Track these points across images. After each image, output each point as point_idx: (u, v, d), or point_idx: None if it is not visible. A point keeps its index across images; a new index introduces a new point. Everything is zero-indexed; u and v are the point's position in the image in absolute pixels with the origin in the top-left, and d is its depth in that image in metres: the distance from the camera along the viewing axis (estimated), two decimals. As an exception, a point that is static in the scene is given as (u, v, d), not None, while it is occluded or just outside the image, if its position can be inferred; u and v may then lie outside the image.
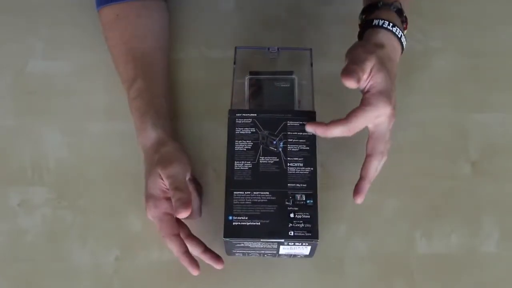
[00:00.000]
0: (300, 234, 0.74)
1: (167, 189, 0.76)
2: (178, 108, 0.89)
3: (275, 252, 0.77)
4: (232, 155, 0.78)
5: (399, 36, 0.79)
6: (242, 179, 0.77)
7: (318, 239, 0.74)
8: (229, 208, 0.75)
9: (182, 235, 0.76)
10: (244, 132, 0.79)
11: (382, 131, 0.77)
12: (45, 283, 0.80)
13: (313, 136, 0.79)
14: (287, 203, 0.75)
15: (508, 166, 0.86)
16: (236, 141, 0.79)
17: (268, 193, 0.76)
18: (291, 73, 0.86)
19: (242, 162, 0.78)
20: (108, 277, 0.80)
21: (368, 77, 0.75)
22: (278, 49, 0.86)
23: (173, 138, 0.81)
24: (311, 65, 0.85)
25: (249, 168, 0.77)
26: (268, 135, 0.79)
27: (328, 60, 0.88)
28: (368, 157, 0.77)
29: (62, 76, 0.91)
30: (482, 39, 0.94)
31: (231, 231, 0.74)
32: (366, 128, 0.77)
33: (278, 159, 0.78)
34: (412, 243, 0.82)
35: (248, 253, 0.78)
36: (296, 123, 0.80)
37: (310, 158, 0.78)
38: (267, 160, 0.78)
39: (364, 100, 0.75)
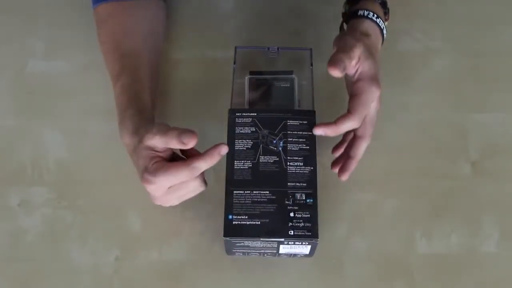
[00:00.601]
0: (300, 233, 0.74)
1: (157, 151, 0.73)
2: (178, 108, 0.89)
3: (275, 251, 0.77)
4: (232, 154, 0.78)
5: (382, 27, 0.81)
6: (242, 178, 0.77)
7: (318, 238, 0.74)
8: (229, 207, 0.75)
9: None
10: (244, 132, 0.79)
11: (373, 115, 0.78)
12: (45, 283, 0.80)
13: (313, 136, 0.79)
14: (287, 202, 0.75)
15: (508, 166, 0.86)
16: (236, 140, 0.79)
17: (268, 192, 0.76)
18: (291, 73, 0.86)
19: (242, 161, 0.78)
20: (108, 277, 0.80)
21: (357, 64, 0.76)
22: (278, 49, 0.86)
23: None
24: (311, 65, 0.85)
25: (249, 167, 0.77)
26: (268, 134, 0.79)
27: (328, 60, 0.88)
28: (359, 138, 0.79)
29: (62, 76, 0.91)
30: (482, 39, 0.95)
31: (231, 230, 0.74)
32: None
33: (278, 158, 0.78)
34: (412, 243, 0.82)
35: (248, 253, 0.78)
36: (296, 123, 0.80)
37: (310, 157, 0.78)
38: (267, 159, 0.78)
39: (357, 88, 0.77)
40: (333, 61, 0.74)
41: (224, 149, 0.72)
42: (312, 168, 0.77)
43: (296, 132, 0.79)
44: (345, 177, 0.80)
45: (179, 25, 0.95)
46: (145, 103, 0.81)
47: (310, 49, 0.86)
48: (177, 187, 0.73)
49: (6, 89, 0.91)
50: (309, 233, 0.74)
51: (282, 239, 0.74)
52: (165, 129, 0.72)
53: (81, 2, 0.95)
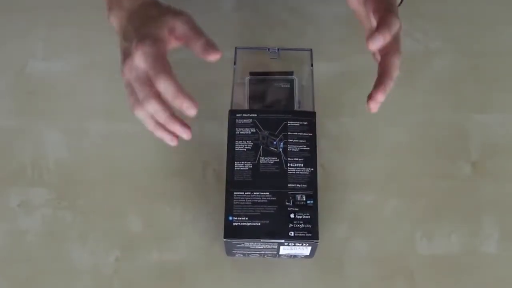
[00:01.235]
0: (300, 234, 0.74)
1: (175, 35, 0.70)
2: (178, 108, 0.88)
3: (275, 252, 0.77)
4: (232, 156, 0.78)
5: None
6: (242, 180, 0.77)
7: (318, 239, 0.74)
8: (229, 209, 0.75)
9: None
10: (244, 133, 0.79)
11: (398, 30, 0.68)
12: (45, 284, 0.80)
13: (313, 136, 0.79)
14: (287, 203, 0.75)
15: (508, 166, 0.86)
16: (236, 141, 0.79)
17: (268, 193, 0.76)
18: (291, 73, 0.86)
19: (242, 162, 0.78)
20: (108, 277, 0.80)
21: None
22: (278, 49, 0.86)
23: None
24: (311, 65, 0.85)
25: (249, 168, 0.77)
26: (268, 135, 0.79)
27: (328, 60, 0.88)
28: (389, 55, 0.69)
29: (62, 76, 0.91)
30: (482, 39, 0.94)
31: (231, 232, 0.74)
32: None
33: (278, 160, 0.78)
34: (412, 243, 0.82)
35: (248, 254, 0.78)
36: (297, 124, 0.80)
37: (310, 158, 0.78)
38: (267, 161, 0.78)
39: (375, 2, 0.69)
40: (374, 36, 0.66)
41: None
42: (312, 169, 0.77)
43: (296, 133, 0.79)
44: (380, 96, 0.69)
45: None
46: None
47: (310, 49, 0.86)
48: (141, 85, 0.68)
49: (6, 89, 0.91)
50: (310, 234, 0.74)
51: (283, 241, 0.74)
52: (199, 29, 0.70)
53: (81, 2, 0.95)
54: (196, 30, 0.70)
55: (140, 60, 0.68)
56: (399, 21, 0.67)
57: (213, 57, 0.69)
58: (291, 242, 0.74)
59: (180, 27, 0.70)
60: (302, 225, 0.74)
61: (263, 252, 0.77)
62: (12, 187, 0.84)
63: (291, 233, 0.74)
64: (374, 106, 0.69)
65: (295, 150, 0.78)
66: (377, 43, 0.66)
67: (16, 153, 0.86)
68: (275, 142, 0.79)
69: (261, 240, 0.74)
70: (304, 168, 0.77)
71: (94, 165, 0.86)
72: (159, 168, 0.85)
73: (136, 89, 0.69)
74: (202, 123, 0.84)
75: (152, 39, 0.68)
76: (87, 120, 0.88)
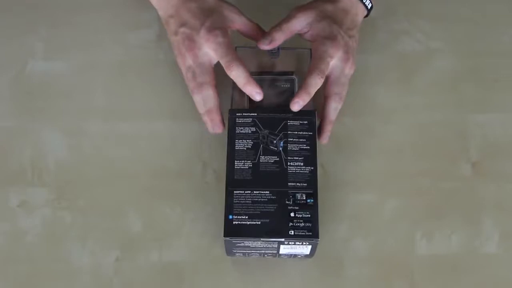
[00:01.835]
0: (300, 233, 0.74)
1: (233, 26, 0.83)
2: (178, 108, 0.88)
3: (275, 251, 0.76)
4: (232, 155, 0.78)
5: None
6: (242, 178, 0.77)
7: (318, 238, 0.74)
8: (229, 207, 0.75)
9: None
10: (244, 132, 0.79)
11: (336, 74, 0.82)
12: (44, 284, 0.80)
13: (314, 136, 0.79)
14: (287, 202, 0.75)
15: (508, 167, 0.86)
16: (236, 140, 0.79)
17: (268, 192, 0.76)
18: (291, 73, 0.86)
19: (243, 161, 0.78)
20: (108, 278, 0.80)
21: (309, 30, 0.82)
22: (278, 49, 0.86)
23: None
24: (311, 65, 0.85)
25: (249, 167, 0.77)
26: (268, 134, 0.79)
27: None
28: (325, 99, 0.83)
29: (62, 76, 0.91)
30: (482, 40, 0.94)
31: (232, 230, 0.74)
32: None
33: (278, 158, 0.78)
34: (412, 243, 0.82)
35: (249, 253, 0.78)
36: (297, 123, 0.80)
37: (310, 157, 0.78)
38: (267, 159, 0.78)
39: (313, 48, 0.82)
40: (263, 36, 0.83)
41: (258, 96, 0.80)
42: (312, 168, 0.77)
43: (296, 132, 0.79)
44: (323, 140, 0.83)
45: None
46: None
47: (310, 49, 0.85)
48: (204, 72, 0.81)
49: (6, 89, 0.90)
50: (310, 233, 0.74)
51: (283, 239, 0.74)
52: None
53: (81, 2, 0.95)
54: (252, 23, 0.84)
55: (211, 49, 0.80)
56: (320, 77, 0.79)
57: (271, 45, 0.82)
58: (291, 241, 0.74)
59: (238, 19, 0.83)
60: (302, 224, 0.74)
61: (263, 251, 0.77)
62: (12, 187, 0.84)
63: (291, 232, 0.74)
64: (324, 141, 0.83)
65: (295, 149, 0.78)
66: (296, 107, 0.79)
67: (16, 153, 0.86)
68: (275, 141, 0.79)
69: (261, 239, 0.74)
70: (304, 167, 0.77)
71: (94, 165, 0.86)
72: (159, 168, 0.85)
73: (197, 74, 0.80)
74: (202, 123, 0.84)
75: (223, 30, 0.80)
76: (87, 120, 0.88)
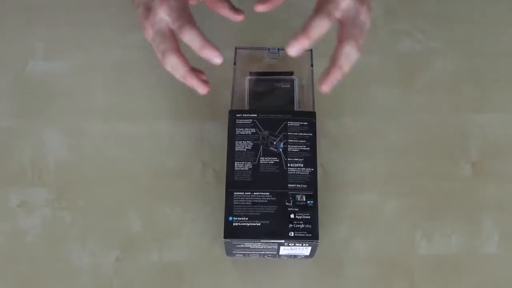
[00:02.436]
0: (300, 234, 0.74)
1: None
2: (178, 108, 0.88)
3: (275, 253, 0.77)
4: (232, 156, 0.78)
5: None
6: (242, 180, 0.77)
7: (318, 239, 0.74)
8: (229, 209, 0.75)
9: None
10: (244, 133, 0.79)
11: (351, 15, 0.70)
12: (44, 284, 0.80)
13: (314, 137, 0.79)
14: (287, 203, 0.75)
15: (508, 167, 0.86)
16: (236, 141, 0.79)
17: (268, 193, 0.76)
18: (291, 73, 0.86)
19: (242, 162, 0.78)
20: (108, 278, 0.80)
21: None
22: (278, 49, 0.86)
23: None
24: (312, 65, 0.85)
25: (249, 168, 0.77)
26: (268, 135, 0.79)
27: (328, 60, 0.88)
28: (338, 43, 0.71)
29: (62, 76, 0.91)
30: (482, 40, 0.94)
31: (231, 232, 0.74)
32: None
33: (278, 160, 0.78)
34: (412, 243, 0.82)
35: (248, 254, 0.78)
36: (297, 124, 0.80)
37: (310, 158, 0.78)
38: (267, 161, 0.78)
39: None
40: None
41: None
42: (312, 169, 0.77)
43: (296, 133, 0.79)
44: (324, 87, 0.71)
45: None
46: None
47: (311, 49, 0.85)
48: (163, 39, 0.71)
49: (6, 89, 0.90)
50: (310, 234, 0.74)
51: (283, 241, 0.74)
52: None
53: (81, 2, 0.95)
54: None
55: (164, 13, 0.71)
56: (326, 18, 0.69)
57: (239, 18, 0.76)
58: (291, 242, 0.74)
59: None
60: (302, 225, 0.74)
61: (263, 252, 0.77)
62: (12, 187, 0.84)
63: (291, 233, 0.74)
64: (324, 89, 0.71)
65: (295, 150, 0.78)
66: (293, 51, 0.70)
67: (16, 153, 0.86)
68: (275, 142, 0.79)
69: (261, 241, 0.74)
70: (304, 168, 0.77)
71: (94, 165, 0.86)
72: (159, 168, 0.85)
73: (158, 43, 0.71)
74: (202, 123, 0.84)
75: (169, 7, 0.71)
76: (87, 120, 0.88)
